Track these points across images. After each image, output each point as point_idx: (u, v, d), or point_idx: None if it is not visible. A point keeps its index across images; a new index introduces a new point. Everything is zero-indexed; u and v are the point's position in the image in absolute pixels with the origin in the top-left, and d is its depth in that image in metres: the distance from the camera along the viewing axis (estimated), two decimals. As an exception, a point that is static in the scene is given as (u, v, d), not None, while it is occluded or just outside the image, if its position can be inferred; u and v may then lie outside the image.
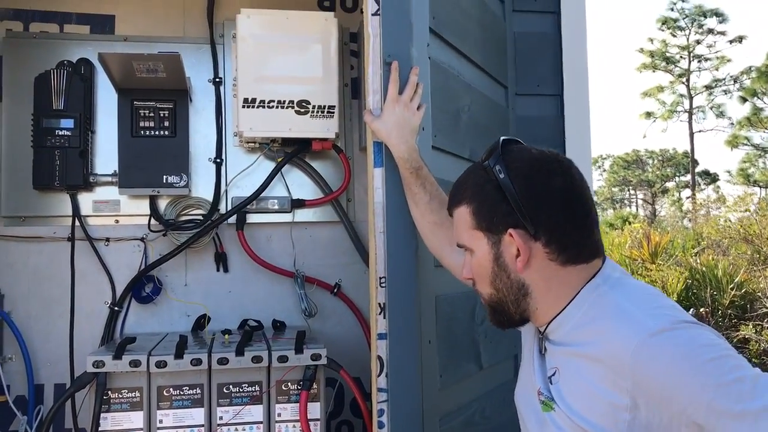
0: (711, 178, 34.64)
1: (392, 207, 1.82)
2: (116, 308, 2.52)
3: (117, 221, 2.57)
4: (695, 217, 20.15)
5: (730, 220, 10.16)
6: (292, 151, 2.59)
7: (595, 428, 1.11)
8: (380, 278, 1.80)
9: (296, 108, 2.47)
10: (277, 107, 2.45)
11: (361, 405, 2.24)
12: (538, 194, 1.20)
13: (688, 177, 33.85)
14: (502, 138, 1.28)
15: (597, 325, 1.16)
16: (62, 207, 2.53)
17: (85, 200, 2.54)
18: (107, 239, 2.56)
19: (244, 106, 2.43)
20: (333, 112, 2.49)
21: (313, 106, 2.47)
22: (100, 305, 2.54)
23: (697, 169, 33.41)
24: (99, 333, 2.52)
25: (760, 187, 28.72)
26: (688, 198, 31.31)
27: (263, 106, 2.44)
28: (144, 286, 2.55)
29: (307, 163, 2.68)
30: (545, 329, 1.27)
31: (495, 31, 2.51)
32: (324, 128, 2.49)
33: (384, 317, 1.80)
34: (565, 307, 1.23)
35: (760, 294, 8.29)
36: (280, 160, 2.59)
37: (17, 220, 2.51)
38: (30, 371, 2.44)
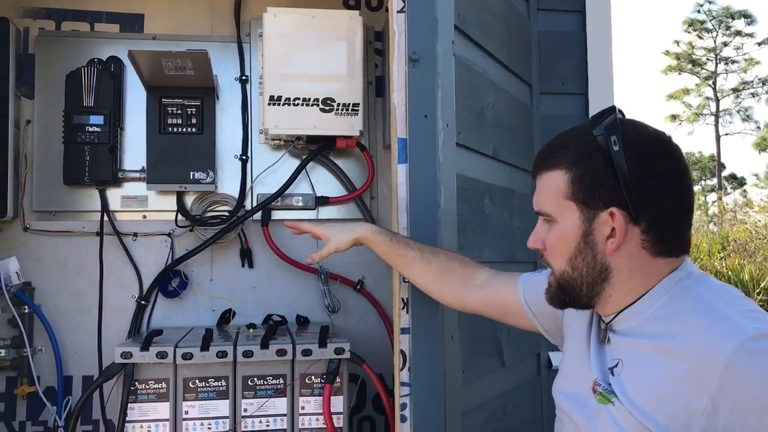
0: (738, 181, 34.18)
1: (415, 203, 1.84)
2: (143, 302, 2.56)
3: (144, 216, 2.61)
4: (721, 221, 19.91)
5: (759, 222, 10.02)
6: (317, 149, 2.61)
7: (660, 428, 1.05)
8: (403, 274, 1.81)
9: (321, 106, 2.49)
10: (302, 105, 2.48)
11: (384, 399, 2.25)
12: (652, 176, 1.11)
13: (714, 181, 33.41)
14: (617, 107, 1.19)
15: (683, 319, 1.09)
16: (91, 202, 2.58)
17: (114, 196, 2.59)
18: (135, 234, 2.61)
19: (270, 104, 2.46)
20: (357, 110, 2.51)
21: (338, 104, 2.50)
22: (127, 299, 2.59)
23: (724, 173, 32.97)
24: (126, 326, 2.56)
25: (789, 191, 28.29)
26: (714, 202, 30.92)
27: (289, 104, 2.47)
28: (170, 281, 2.59)
29: (331, 160, 2.70)
30: (612, 318, 1.20)
31: (520, 29, 2.52)
32: (348, 126, 2.51)
33: (407, 312, 1.81)
34: (641, 297, 1.16)
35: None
36: (305, 157, 2.61)
37: (48, 215, 2.57)
38: (59, 363, 2.49)
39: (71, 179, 2.49)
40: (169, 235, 2.62)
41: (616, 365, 1.17)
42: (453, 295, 1.66)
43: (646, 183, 1.10)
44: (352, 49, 2.51)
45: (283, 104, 2.47)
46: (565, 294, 1.21)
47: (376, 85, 2.79)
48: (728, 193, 32.22)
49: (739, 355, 0.98)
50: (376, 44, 2.82)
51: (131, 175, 2.57)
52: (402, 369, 1.80)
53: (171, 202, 2.60)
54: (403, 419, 1.79)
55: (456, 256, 1.69)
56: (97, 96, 2.49)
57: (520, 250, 2.38)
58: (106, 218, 2.56)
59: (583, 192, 1.14)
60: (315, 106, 2.49)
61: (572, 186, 1.15)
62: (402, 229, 1.83)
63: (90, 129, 2.47)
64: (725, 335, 1.01)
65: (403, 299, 1.82)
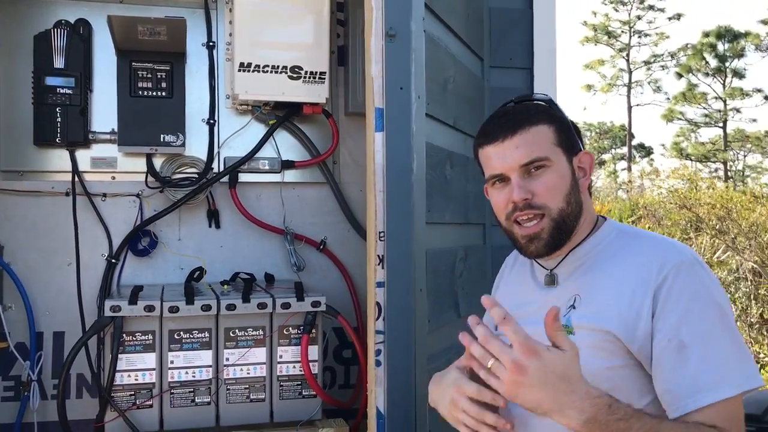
0: (646, 151, 35.79)
1: (391, 169, 2.00)
2: (113, 260, 2.64)
3: (113, 177, 2.68)
4: (630, 188, 20.95)
5: (674, 189, 10.69)
6: (285, 114, 2.73)
7: (619, 334, 1.28)
8: (379, 233, 1.99)
9: (289, 73, 2.61)
10: (271, 72, 2.59)
11: (357, 347, 2.45)
12: (577, 129, 1.46)
13: (625, 149, 34.85)
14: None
15: (629, 250, 1.36)
16: (60, 163, 2.62)
17: (83, 157, 2.64)
18: (104, 195, 2.67)
19: (240, 70, 2.56)
20: (324, 78, 2.64)
21: (306, 72, 2.62)
22: (97, 258, 2.66)
23: (634, 142, 34.42)
24: (96, 284, 2.64)
25: (692, 160, 29.92)
26: (623, 170, 32.40)
27: (258, 71, 2.58)
28: (140, 240, 2.68)
29: (296, 126, 2.83)
30: (561, 261, 1.44)
31: (474, 6, 2.70)
32: (315, 93, 2.65)
33: (382, 267, 1.99)
34: (590, 236, 1.43)
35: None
36: (272, 122, 2.73)
37: (15, 175, 2.60)
38: (31, 319, 2.55)
39: (43, 140, 2.53)
40: (137, 195, 2.70)
41: (574, 301, 1.38)
42: None
43: (578, 133, 1.45)
44: (319, 19, 2.63)
45: (253, 71, 2.58)
46: (560, 232, 1.37)
47: (339, 54, 2.92)
48: (636, 162, 33.75)
49: (684, 265, 1.28)
50: (338, 15, 2.94)
51: (101, 136, 2.63)
52: (377, 319, 1.99)
53: (139, 163, 2.67)
54: (377, 364, 1.98)
55: None
56: (67, 58, 2.52)
57: (473, 213, 2.61)
58: (76, 179, 2.61)
59: (566, 140, 1.41)
60: (283, 74, 2.61)
61: (558, 135, 1.40)
62: (378, 192, 1.99)
63: (61, 91, 2.51)
64: (673, 251, 1.31)
65: (379, 256, 2.00)
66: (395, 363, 1.99)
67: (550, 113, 1.42)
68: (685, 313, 1.25)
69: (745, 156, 33.25)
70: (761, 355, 6.74)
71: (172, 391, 2.18)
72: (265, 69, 2.58)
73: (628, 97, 31.71)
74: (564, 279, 1.44)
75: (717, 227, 8.71)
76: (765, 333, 6.97)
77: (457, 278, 2.47)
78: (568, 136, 1.42)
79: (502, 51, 2.95)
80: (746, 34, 27.33)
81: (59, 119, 2.51)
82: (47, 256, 2.63)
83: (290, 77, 2.61)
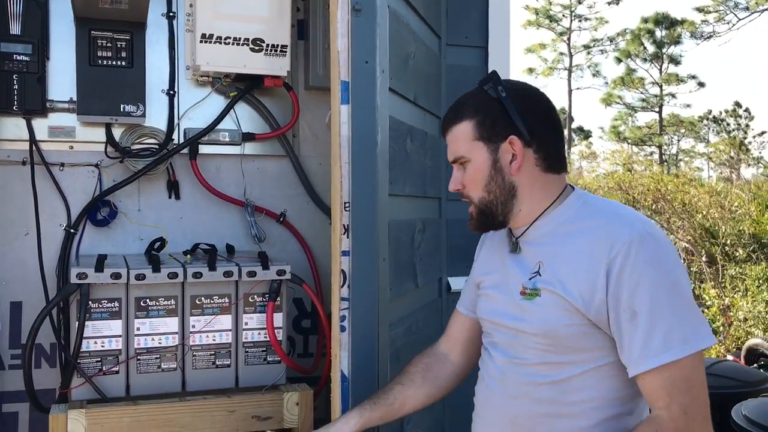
0: (585, 134, 36.65)
1: (356, 141, 2.06)
2: (72, 230, 2.63)
3: (72, 147, 2.65)
4: (569, 170, 21.50)
5: (610, 173, 11.09)
6: (246, 87, 2.75)
7: (578, 300, 1.41)
8: (345, 203, 2.05)
9: (251, 45, 2.63)
10: (233, 44, 2.61)
11: (321, 313, 2.51)
12: (533, 109, 1.52)
13: (565, 132, 35.57)
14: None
15: (590, 221, 1.48)
16: (16, 131, 2.58)
17: (41, 126, 2.60)
18: (62, 164, 2.65)
19: (201, 41, 2.57)
20: (286, 51, 2.67)
21: (267, 45, 2.65)
22: (56, 227, 2.64)
23: (573, 125, 35.19)
24: (55, 254, 2.62)
25: (629, 144, 30.83)
26: (563, 152, 33.08)
27: (220, 42, 2.59)
28: (99, 210, 2.67)
29: (257, 98, 2.85)
30: (525, 230, 1.56)
31: (434, -16, 2.76)
32: (277, 66, 2.68)
33: (348, 237, 2.05)
34: (548, 209, 1.53)
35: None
36: (233, 94, 2.75)
37: (-32, 143, 2.55)
38: (-12, 289, 2.53)
39: (-2, 108, 2.49)
40: (97, 166, 2.68)
41: (539, 268, 1.51)
42: (448, 376, 1.78)
43: (530, 115, 1.51)
44: (280, -9, 2.65)
45: (215, 42, 2.59)
46: (485, 216, 1.55)
47: (299, 28, 2.94)
48: (576, 145, 34.56)
49: (634, 242, 1.39)
50: (298, -12, 2.96)
51: (60, 105, 2.60)
52: (342, 286, 2.06)
53: (98, 133, 2.66)
54: (342, 329, 2.05)
55: (415, 359, 1.83)
56: (23, 24, 2.48)
57: (431, 187, 2.70)
58: (33, 148, 2.57)
59: (486, 131, 1.52)
60: (245, 46, 2.62)
61: (477, 129, 1.53)
62: (344, 164, 2.05)
63: (18, 58, 2.47)
64: (625, 228, 1.42)
65: (344, 226, 2.06)
66: (359, 328, 2.06)
67: (479, 103, 1.54)
68: (636, 286, 1.37)
69: (679, 140, 34.45)
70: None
71: (138, 357, 2.21)
72: (227, 41, 2.60)
73: (569, 80, 32.38)
74: (528, 246, 1.56)
75: (653, 208, 9.06)
76: (695, 308, 7.31)
77: (415, 249, 2.56)
78: (492, 124, 1.51)
79: (458, 29, 3.03)
80: (683, 22, 28.21)
81: (15, 86, 2.47)
82: (3, 226, 2.60)
83: (252, 49, 2.63)
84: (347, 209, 2.06)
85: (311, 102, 2.94)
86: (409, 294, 2.49)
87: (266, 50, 2.65)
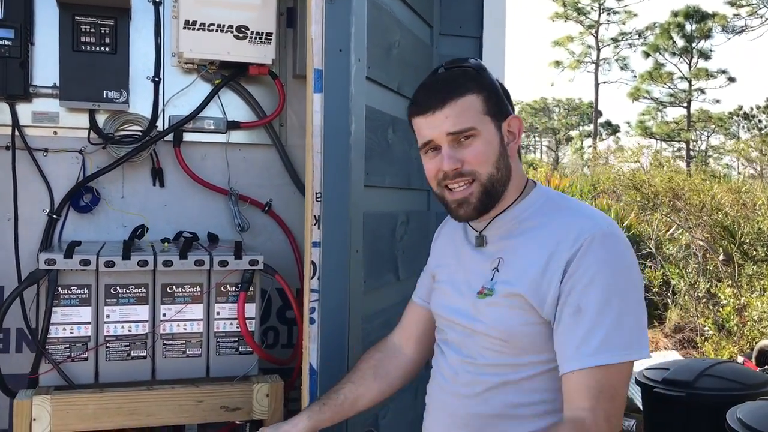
0: (612, 128, 36.24)
1: (329, 130, 2.02)
2: (54, 216, 2.63)
3: (55, 133, 2.65)
4: (594, 165, 21.25)
5: (622, 170, 10.96)
6: (230, 74, 2.73)
7: (532, 297, 1.38)
8: (316, 193, 2.02)
9: (235, 33, 2.60)
10: (217, 31, 2.58)
11: (293, 304, 2.49)
12: (508, 96, 1.51)
13: (591, 126, 35.21)
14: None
15: (553, 217, 1.44)
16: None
17: (24, 111, 2.60)
18: (46, 150, 2.65)
19: (185, 28, 2.55)
20: (270, 39, 2.64)
21: (252, 32, 2.62)
22: (38, 213, 2.64)
23: (600, 120, 34.82)
24: (37, 239, 2.62)
25: (656, 139, 30.39)
26: (589, 147, 32.78)
27: (204, 29, 2.57)
28: (82, 196, 2.66)
29: (242, 86, 2.82)
30: (488, 224, 1.51)
31: (423, -29, 2.71)
32: (261, 54, 2.64)
33: (318, 228, 2.02)
34: (517, 201, 1.49)
35: (645, 236, 9.06)
36: (218, 81, 2.73)
37: (-50, 127, 2.56)
38: (-33, 274, 2.54)
39: (-19, 92, 2.49)
40: (80, 152, 2.68)
41: (498, 264, 1.47)
42: (401, 370, 1.74)
43: (507, 98, 1.50)
44: (266, -22, 2.62)
45: (198, 29, 2.57)
46: (489, 196, 1.45)
47: (288, 16, 2.91)
48: (603, 139, 34.16)
49: (596, 238, 1.35)
50: (288, -24, 2.92)
51: (43, 91, 2.59)
52: (312, 278, 2.03)
53: (82, 119, 2.65)
54: (311, 321, 2.02)
55: (367, 353, 1.80)
56: (6, 8, 2.48)
57: (416, 178, 2.64)
58: (16, 133, 2.58)
59: (494, 108, 1.46)
60: (229, 33, 2.60)
61: (486, 103, 1.45)
62: (316, 153, 2.02)
63: (0, 42, 2.47)
64: (588, 224, 1.38)
65: (315, 216, 2.03)
66: (329, 321, 2.03)
67: (479, 81, 1.46)
68: (590, 283, 1.33)
69: (708, 136, 33.86)
70: (706, 329, 6.95)
71: (107, 345, 2.20)
72: (211, 27, 2.57)
73: (596, 74, 32.00)
74: (491, 241, 1.51)
75: (671, 205, 8.91)
76: (710, 307, 7.17)
77: (397, 242, 2.52)
78: (497, 102, 1.46)
79: (451, 19, 2.97)
80: (713, 15, 27.67)
81: (-2, 71, 2.48)
82: (-17, 211, 2.61)
83: (236, 37, 2.61)
84: (318, 200, 2.03)
85: (299, 91, 2.90)
86: (389, 286, 2.45)
87: (251, 38, 2.62)
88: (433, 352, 1.68)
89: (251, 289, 2.31)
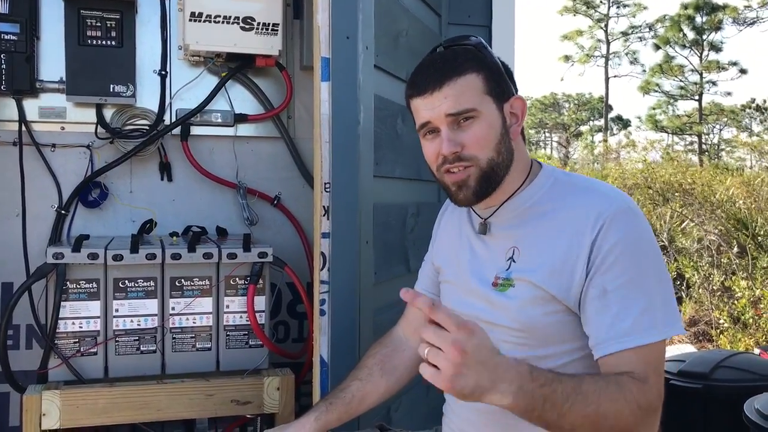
0: (623, 123, 36.01)
1: (337, 119, 2.00)
2: (63, 211, 2.61)
3: (63, 128, 2.64)
4: (604, 160, 21.14)
5: (636, 168, 10.91)
6: (236, 66, 2.70)
7: (554, 287, 1.33)
8: (325, 184, 1.99)
9: (241, 24, 2.58)
10: (223, 22, 2.56)
11: (303, 296, 2.47)
12: (512, 76, 1.44)
13: (602, 121, 35.01)
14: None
15: (566, 199, 1.39)
16: (6, 111, 2.57)
17: (31, 106, 2.59)
18: (53, 145, 2.63)
19: (191, 20, 2.52)
20: (277, 30, 2.61)
21: (258, 23, 2.59)
22: (47, 209, 2.63)
23: (611, 114, 34.61)
24: (46, 235, 2.61)
25: (668, 133, 30.19)
26: (600, 142, 32.60)
27: (210, 21, 2.54)
28: (91, 191, 2.65)
29: (249, 78, 2.80)
30: (495, 211, 1.46)
31: (432, -41, 2.68)
32: (268, 45, 2.62)
33: (327, 218, 2.00)
34: (525, 186, 1.44)
35: (657, 230, 8.99)
36: (224, 74, 2.70)
37: (-43, 123, 2.55)
38: (-23, 270, 2.53)
39: (-13, 87, 2.48)
40: (88, 147, 2.66)
41: (513, 254, 1.41)
42: (408, 364, 1.69)
43: (510, 77, 1.43)
44: (272, -31, 2.60)
45: (204, 21, 2.54)
46: (488, 182, 1.39)
47: (294, 6, 2.88)
48: (614, 134, 33.96)
49: (615, 218, 1.30)
50: (294, -34, 2.90)
51: (49, 85, 2.58)
52: (322, 269, 2.00)
53: (89, 114, 2.63)
54: (322, 313, 2.00)
55: (372, 349, 1.75)
56: (11, 2, 2.47)
57: (426, 170, 2.59)
58: (24, 128, 2.56)
59: (496, 87, 1.39)
60: (235, 24, 2.57)
61: (488, 83, 1.37)
62: (324, 143, 1.99)
63: (6, 37, 2.45)
64: (606, 202, 1.33)
65: (324, 207, 2.00)
66: (339, 312, 2.01)
67: (479, 59, 1.39)
68: (614, 262, 1.28)
69: (720, 129, 33.60)
70: (721, 321, 6.88)
71: (117, 339, 2.19)
72: (217, 19, 2.55)
73: (606, 68, 31.81)
74: (500, 229, 1.46)
75: (683, 199, 8.84)
76: (725, 300, 7.10)
77: (408, 233, 2.49)
78: (499, 82, 1.39)
79: (460, 8, 2.94)
80: (724, 7, 27.44)
81: (4, 66, 2.46)
82: (-7, 207, 2.60)
83: (242, 28, 2.58)
84: (327, 190, 2.00)
85: (307, 82, 2.86)
86: (400, 278, 2.42)
87: (257, 29, 2.59)
88: None
89: (261, 282, 2.29)
